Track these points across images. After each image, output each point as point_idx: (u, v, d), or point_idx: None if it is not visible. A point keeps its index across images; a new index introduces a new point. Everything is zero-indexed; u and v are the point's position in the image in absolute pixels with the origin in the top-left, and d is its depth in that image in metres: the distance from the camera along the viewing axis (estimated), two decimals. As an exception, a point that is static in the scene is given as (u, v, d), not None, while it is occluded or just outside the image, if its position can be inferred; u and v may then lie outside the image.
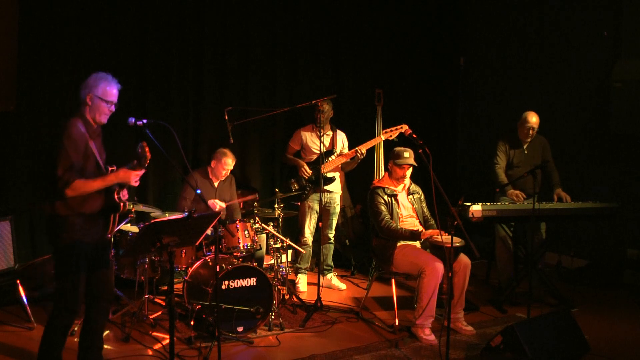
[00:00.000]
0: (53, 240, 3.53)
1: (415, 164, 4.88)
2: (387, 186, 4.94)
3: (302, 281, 5.86)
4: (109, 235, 3.70)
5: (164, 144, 3.81)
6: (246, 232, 4.90)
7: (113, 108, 3.61)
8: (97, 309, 3.69)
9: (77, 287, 3.49)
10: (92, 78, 3.58)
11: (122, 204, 3.61)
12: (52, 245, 3.56)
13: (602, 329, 4.91)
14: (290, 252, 6.06)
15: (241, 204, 5.79)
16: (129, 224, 4.88)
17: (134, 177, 3.55)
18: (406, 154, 4.88)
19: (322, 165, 5.40)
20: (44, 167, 3.53)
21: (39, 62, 5.23)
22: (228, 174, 5.51)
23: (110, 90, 3.57)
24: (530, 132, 5.56)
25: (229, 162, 5.41)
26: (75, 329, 4.29)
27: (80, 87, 3.58)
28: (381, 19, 7.29)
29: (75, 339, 3.92)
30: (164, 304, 5.02)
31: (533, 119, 5.54)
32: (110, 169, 3.58)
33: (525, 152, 5.66)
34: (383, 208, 4.84)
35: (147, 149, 3.50)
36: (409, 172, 4.93)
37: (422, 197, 5.11)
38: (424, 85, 7.64)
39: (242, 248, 4.86)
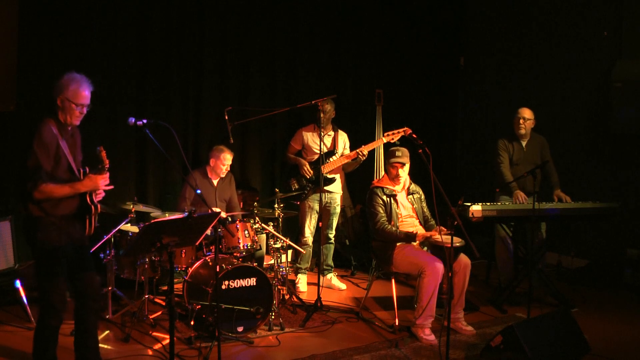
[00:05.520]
0: (29, 241, 3.54)
1: (405, 161, 4.87)
2: (386, 186, 4.94)
3: (302, 281, 5.86)
4: (87, 235, 3.66)
5: (164, 144, 3.81)
6: (246, 232, 4.90)
7: (84, 110, 3.52)
8: (86, 309, 3.68)
9: (57, 287, 3.49)
10: (64, 79, 3.49)
11: (93, 206, 3.57)
12: (29, 246, 3.57)
13: (602, 329, 4.91)
14: (290, 252, 6.06)
15: (241, 203, 5.79)
16: (129, 224, 4.88)
17: (102, 183, 3.52)
18: (398, 153, 4.88)
19: (323, 166, 5.40)
20: (19, 169, 3.52)
21: (39, 62, 5.24)
22: (228, 169, 5.50)
23: (81, 92, 3.47)
24: (521, 122, 5.59)
25: (227, 158, 5.41)
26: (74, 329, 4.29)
27: (53, 88, 3.50)
28: (381, 19, 7.29)
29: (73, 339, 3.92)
30: (164, 304, 5.02)
31: (522, 110, 5.63)
32: (81, 171, 3.56)
33: (524, 149, 5.66)
34: (380, 209, 4.83)
35: (103, 154, 3.49)
36: (402, 172, 4.90)
37: (422, 197, 5.10)
38: (424, 85, 7.64)
39: (242, 248, 4.86)
